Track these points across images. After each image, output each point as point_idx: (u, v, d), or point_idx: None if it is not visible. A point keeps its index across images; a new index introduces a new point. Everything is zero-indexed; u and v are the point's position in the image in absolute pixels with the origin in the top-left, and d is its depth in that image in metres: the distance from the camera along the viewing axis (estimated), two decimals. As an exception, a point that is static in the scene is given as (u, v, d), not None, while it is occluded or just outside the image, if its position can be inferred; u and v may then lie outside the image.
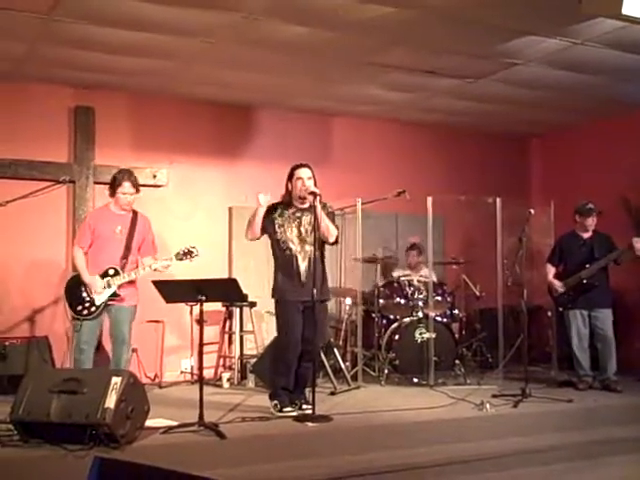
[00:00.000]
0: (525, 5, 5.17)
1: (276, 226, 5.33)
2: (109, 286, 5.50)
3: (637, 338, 7.56)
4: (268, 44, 5.91)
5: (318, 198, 5.15)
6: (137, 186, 5.68)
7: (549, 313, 7.36)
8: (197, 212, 7.58)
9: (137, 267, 5.61)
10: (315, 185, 5.30)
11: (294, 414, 5.17)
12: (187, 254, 5.55)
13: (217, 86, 7.13)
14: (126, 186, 5.60)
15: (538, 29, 5.69)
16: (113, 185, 5.66)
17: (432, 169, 8.60)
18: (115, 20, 5.39)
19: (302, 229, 5.31)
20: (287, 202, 5.40)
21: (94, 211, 5.80)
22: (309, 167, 5.37)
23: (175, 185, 7.46)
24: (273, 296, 5.38)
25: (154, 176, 7.31)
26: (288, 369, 5.31)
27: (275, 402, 5.29)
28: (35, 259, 6.81)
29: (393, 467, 4.77)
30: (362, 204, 6.84)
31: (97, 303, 5.50)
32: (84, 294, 5.52)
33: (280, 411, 5.22)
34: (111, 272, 5.52)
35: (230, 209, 7.68)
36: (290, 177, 5.38)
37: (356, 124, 8.40)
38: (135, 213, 5.74)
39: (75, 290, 5.56)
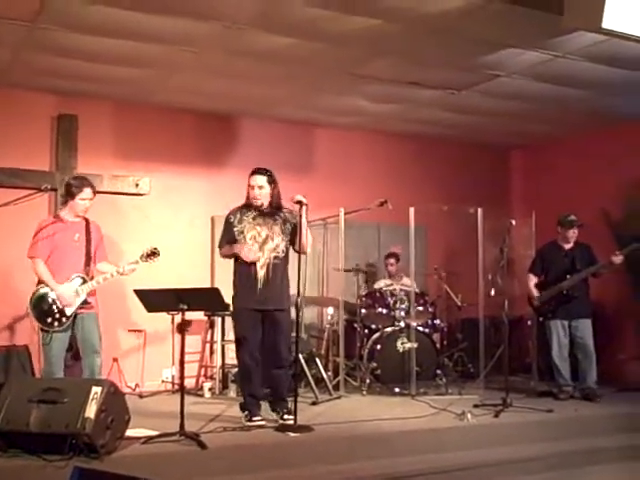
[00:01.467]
0: (507, 18, 5.21)
1: (235, 234, 5.28)
2: (78, 295, 5.42)
3: (618, 349, 7.62)
4: (252, 54, 5.92)
5: (304, 208, 5.10)
6: (95, 192, 5.60)
7: (529, 323, 7.39)
8: (179, 221, 7.56)
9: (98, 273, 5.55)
10: (273, 192, 5.24)
11: (262, 423, 5.15)
12: (151, 255, 5.49)
13: (200, 95, 7.13)
14: (87, 192, 5.49)
15: (520, 42, 5.74)
16: (71, 192, 5.50)
17: (415, 179, 8.63)
18: (99, 28, 5.38)
19: (261, 236, 5.25)
20: (247, 206, 5.34)
21: (45, 223, 5.57)
22: (264, 173, 5.24)
23: (157, 194, 7.44)
24: (232, 303, 5.31)
25: (136, 184, 7.29)
26: (249, 376, 5.27)
27: (245, 412, 5.27)
28: (15, 267, 6.74)
29: (375, 477, 4.78)
30: (345, 214, 6.85)
31: (68, 313, 5.39)
32: (53, 306, 5.38)
33: (249, 420, 5.19)
34: (79, 280, 5.46)
35: (212, 218, 7.66)
36: (248, 182, 5.31)
37: (340, 134, 8.42)
38: (87, 220, 5.63)
39: (42, 303, 5.39)
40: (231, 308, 5.35)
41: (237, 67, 6.26)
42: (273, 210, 5.29)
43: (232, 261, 5.36)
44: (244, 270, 5.24)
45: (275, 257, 5.23)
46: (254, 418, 5.20)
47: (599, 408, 6.31)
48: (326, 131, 8.35)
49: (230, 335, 7.16)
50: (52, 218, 5.73)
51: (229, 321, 7.12)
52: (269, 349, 5.24)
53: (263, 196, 5.24)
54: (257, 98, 7.25)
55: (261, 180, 5.22)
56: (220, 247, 5.44)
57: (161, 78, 6.57)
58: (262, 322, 5.24)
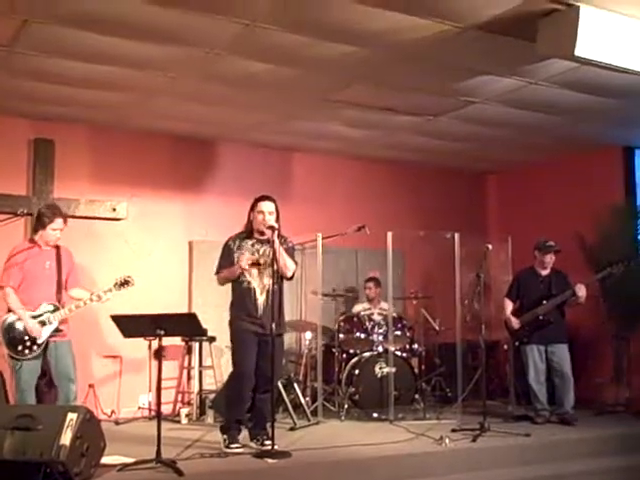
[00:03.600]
0: (482, 45, 5.28)
1: (235, 259, 5.31)
2: (49, 322, 5.38)
3: (594, 373, 7.66)
4: (229, 79, 5.94)
5: (276, 232, 5.16)
6: (66, 220, 5.61)
7: (505, 347, 7.42)
8: (157, 246, 7.53)
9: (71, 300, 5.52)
10: (277, 219, 5.31)
11: (240, 451, 5.11)
12: (125, 283, 5.50)
13: (178, 120, 7.14)
14: (58, 222, 5.51)
15: (494, 69, 5.82)
16: (42, 221, 5.52)
17: (392, 204, 8.67)
18: (76, 53, 5.37)
19: (261, 261, 5.29)
20: (247, 233, 5.39)
21: (19, 249, 5.56)
22: (273, 201, 5.36)
23: (134, 218, 7.41)
24: (230, 326, 5.33)
25: (113, 209, 7.25)
26: (241, 401, 5.26)
27: (225, 437, 5.23)
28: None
29: (353, 503, 4.76)
30: (322, 239, 6.86)
31: (39, 341, 5.35)
32: (23, 334, 5.34)
33: (227, 447, 5.16)
34: (50, 308, 5.41)
35: (190, 243, 7.65)
36: (252, 208, 5.37)
37: (317, 160, 8.45)
38: (58, 247, 5.63)
39: (11, 331, 5.36)
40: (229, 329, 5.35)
41: (214, 92, 6.28)
42: (268, 238, 5.30)
43: (229, 285, 5.39)
44: (244, 293, 5.27)
45: (273, 283, 5.23)
46: (233, 445, 5.17)
47: (576, 432, 6.32)
48: (304, 156, 8.38)
49: (207, 361, 7.14)
50: (27, 243, 5.71)
51: (206, 347, 7.11)
52: (260, 373, 5.23)
53: (272, 222, 5.27)
54: (234, 123, 7.27)
55: (272, 206, 5.31)
56: (218, 272, 5.43)
57: (138, 103, 6.57)
58: (258, 346, 5.24)
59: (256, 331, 5.23)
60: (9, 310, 5.42)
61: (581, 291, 6.56)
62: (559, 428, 6.45)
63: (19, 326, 5.36)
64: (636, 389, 7.40)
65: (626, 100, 6.39)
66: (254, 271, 5.29)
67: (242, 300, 5.28)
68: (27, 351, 5.33)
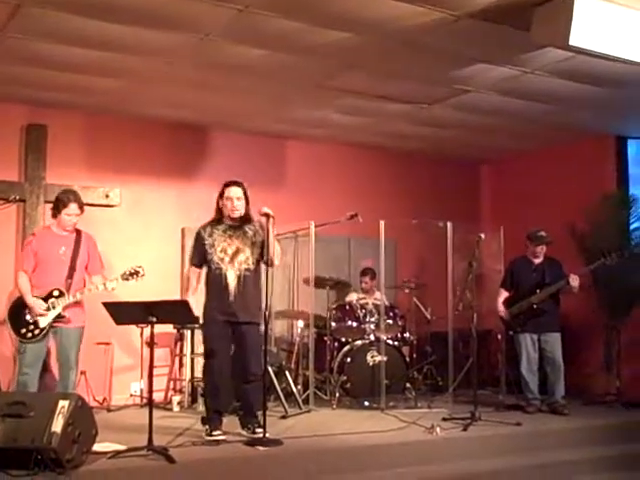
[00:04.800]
0: (477, 34, 5.27)
1: (207, 247, 5.26)
2: (53, 307, 5.39)
3: (585, 363, 7.68)
4: (224, 66, 5.91)
5: (271, 220, 5.12)
6: (82, 207, 5.60)
7: (499, 336, 7.43)
8: (150, 232, 7.50)
9: (84, 287, 5.52)
10: (247, 204, 5.26)
11: (223, 437, 5.10)
12: (133, 274, 5.50)
13: (173, 107, 7.10)
14: (72, 207, 5.50)
15: (489, 57, 5.81)
16: (57, 206, 5.53)
17: (385, 193, 8.67)
18: (69, 38, 5.33)
19: (232, 248, 5.23)
20: (217, 219, 5.34)
21: (36, 233, 5.69)
22: (240, 185, 5.28)
23: (128, 205, 7.38)
24: (202, 315, 5.28)
25: (106, 196, 7.22)
26: (216, 392, 5.23)
27: (206, 427, 5.21)
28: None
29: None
30: (315, 227, 6.84)
31: (41, 325, 5.39)
32: (27, 317, 5.40)
33: (209, 435, 5.13)
34: (56, 293, 5.42)
35: (183, 230, 7.62)
36: (220, 195, 5.31)
37: (311, 147, 8.43)
38: (79, 232, 5.64)
39: (18, 313, 5.44)
40: (201, 319, 5.32)
41: (209, 79, 6.24)
42: (243, 223, 5.29)
43: (204, 271, 5.35)
44: (216, 281, 5.21)
45: (246, 269, 5.22)
46: (214, 432, 5.14)
47: (567, 421, 6.36)
48: (297, 144, 8.35)
49: (200, 348, 7.12)
50: (42, 229, 5.81)
51: (199, 334, 7.08)
52: (239, 363, 5.21)
53: (241, 207, 5.24)
54: (229, 110, 7.23)
55: (240, 192, 5.25)
56: (191, 262, 5.41)
57: (133, 89, 6.53)
58: (232, 335, 5.21)
59: (228, 320, 5.17)
60: (19, 292, 5.48)
61: (575, 281, 6.57)
62: (550, 417, 6.49)
63: (25, 309, 5.41)
64: (626, 379, 7.42)
65: (620, 89, 6.39)
66: (226, 258, 5.21)
67: (214, 288, 5.22)
68: (30, 335, 5.38)
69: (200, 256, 5.32)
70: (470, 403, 6.19)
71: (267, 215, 5.12)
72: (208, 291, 5.28)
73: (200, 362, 7.07)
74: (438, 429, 5.54)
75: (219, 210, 5.33)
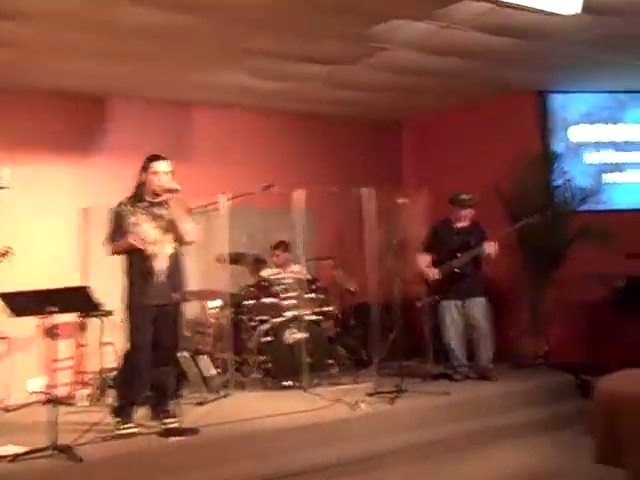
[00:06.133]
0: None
1: (129, 225, 5.19)
2: None
3: (512, 326, 7.89)
4: (121, 29, 5.71)
5: (177, 195, 5.09)
6: None
7: (418, 304, 7.53)
8: (45, 215, 7.31)
9: None
10: (173, 180, 5.23)
11: (136, 430, 5.09)
12: (3, 255, 5.36)
13: (66, 76, 6.86)
14: None
15: (406, 12, 5.78)
16: None
17: (301, 160, 8.66)
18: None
19: (157, 226, 5.20)
20: (139, 196, 5.28)
21: None
22: (166, 159, 5.28)
23: (20, 186, 7.17)
24: (125, 298, 5.24)
25: (-5, 177, 7.01)
26: (138, 379, 5.20)
27: (117, 419, 5.17)
28: None
29: (266, 477, 4.83)
30: (227, 200, 6.80)
31: None
32: None
33: (120, 428, 5.11)
34: None
35: (84, 210, 7.47)
36: (145, 168, 5.27)
37: (221, 114, 8.33)
38: None
39: None
40: (121, 304, 5.26)
41: (107, 45, 6.04)
42: (164, 200, 5.23)
43: (122, 255, 5.27)
44: (141, 263, 5.16)
45: (172, 249, 5.20)
46: (126, 425, 5.12)
47: (496, 387, 6.58)
48: (207, 111, 8.24)
49: (107, 337, 7.03)
50: None
51: (106, 322, 6.99)
52: (160, 345, 5.19)
53: (168, 183, 5.19)
54: (128, 77, 7.07)
55: (167, 166, 5.23)
56: (110, 242, 5.29)
57: (21, 59, 6.30)
58: (156, 318, 5.18)
59: (154, 302, 5.15)
60: None
61: (490, 248, 6.71)
62: (478, 384, 6.70)
63: None
64: (553, 341, 7.69)
65: (540, 42, 6.49)
66: (151, 236, 5.16)
67: (138, 269, 5.18)
68: None
69: (122, 236, 5.21)
70: (396, 376, 6.32)
71: (172, 190, 5.09)
72: (132, 272, 5.21)
73: (109, 351, 7.06)
74: (363, 405, 5.65)
75: (141, 185, 5.27)
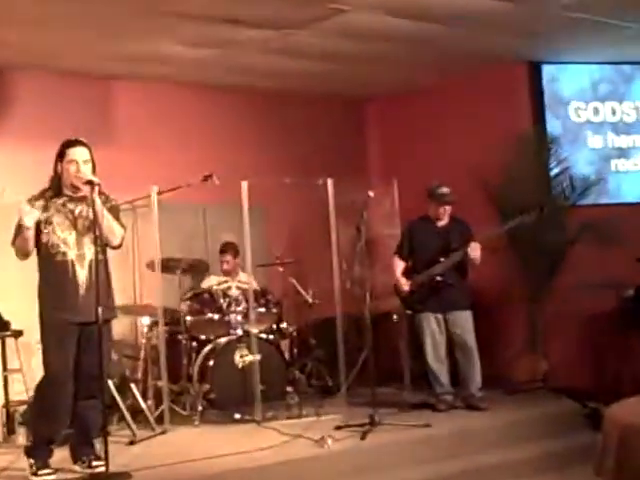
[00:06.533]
0: None
1: (41, 225, 5.12)
2: None
3: (505, 344, 7.99)
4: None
5: (97, 189, 5.02)
6: None
7: (394, 318, 7.58)
8: None
9: None
10: (94, 171, 5.19)
11: (54, 477, 5.04)
12: None
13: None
14: None
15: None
16: None
17: (248, 146, 8.68)
18: None
19: (78, 226, 5.15)
20: (55, 190, 5.23)
21: None
22: (86, 146, 5.22)
23: None
24: (40, 316, 5.16)
25: None
26: (55, 414, 5.14)
27: (32, 461, 5.11)
28: None
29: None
30: (158, 194, 6.76)
31: None
32: None
33: (35, 474, 5.05)
34: None
35: (-16, 207, 7.38)
36: (60, 157, 5.20)
37: (148, 90, 8.32)
38: None
39: None
40: (37, 320, 5.17)
41: (9, 9, 6.01)
42: (85, 195, 5.16)
43: (35, 259, 5.18)
44: (58, 271, 5.09)
45: (96, 253, 5.09)
46: (42, 472, 5.06)
47: (485, 418, 6.64)
48: (130, 85, 8.24)
49: (14, 363, 6.95)
50: None
51: (12, 344, 6.90)
52: (83, 373, 5.13)
53: (88, 173, 5.12)
54: (35, 46, 7.04)
55: (86, 153, 5.18)
56: (13, 244, 5.20)
57: None
58: (78, 339, 5.12)
59: (76, 320, 5.09)
60: None
61: (475, 251, 6.73)
62: (466, 414, 6.76)
63: None
64: (554, 360, 7.76)
65: (530, 4, 6.59)
66: (69, 239, 5.12)
67: (55, 279, 5.11)
68: None
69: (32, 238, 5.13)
70: (368, 405, 6.34)
71: (91, 183, 5.03)
72: (47, 283, 5.15)
73: (17, 380, 6.97)
74: (330, 441, 5.67)
75: (57, 177, 5.21)
